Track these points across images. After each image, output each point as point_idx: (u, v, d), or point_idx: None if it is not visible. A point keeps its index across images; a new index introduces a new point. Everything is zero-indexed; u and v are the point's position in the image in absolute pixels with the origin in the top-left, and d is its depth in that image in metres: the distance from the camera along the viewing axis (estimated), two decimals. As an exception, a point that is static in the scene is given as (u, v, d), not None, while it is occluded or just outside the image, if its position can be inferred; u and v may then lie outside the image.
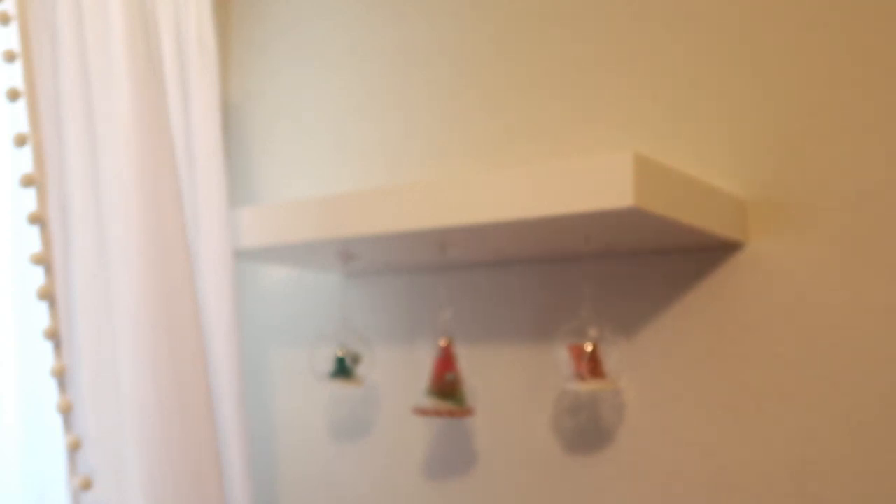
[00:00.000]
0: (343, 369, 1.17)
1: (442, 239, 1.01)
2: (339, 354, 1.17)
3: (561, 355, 0.98)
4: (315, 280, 1.36)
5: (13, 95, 1.05)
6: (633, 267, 1.07)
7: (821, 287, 0.94)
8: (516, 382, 1.15)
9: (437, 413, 1.05)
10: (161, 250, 1.08)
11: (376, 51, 1.34)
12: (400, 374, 1.25)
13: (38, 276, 1.04)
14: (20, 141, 1.05)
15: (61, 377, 1.01)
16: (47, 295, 1.04)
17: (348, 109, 1.37)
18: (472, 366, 1.13)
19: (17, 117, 1.06)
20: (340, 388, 1.22)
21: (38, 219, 1.04)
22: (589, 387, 0.98)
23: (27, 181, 1.05)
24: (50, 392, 1.07)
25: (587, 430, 1.09)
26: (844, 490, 0.91)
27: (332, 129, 1.39)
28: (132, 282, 1.07)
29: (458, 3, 1.26)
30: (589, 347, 0.96)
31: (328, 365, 1.20)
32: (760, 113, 0.99)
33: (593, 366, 0.96)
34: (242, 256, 1.21)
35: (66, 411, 1.01)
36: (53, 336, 1.03)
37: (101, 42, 1.11)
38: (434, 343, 1.08)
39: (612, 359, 0.97)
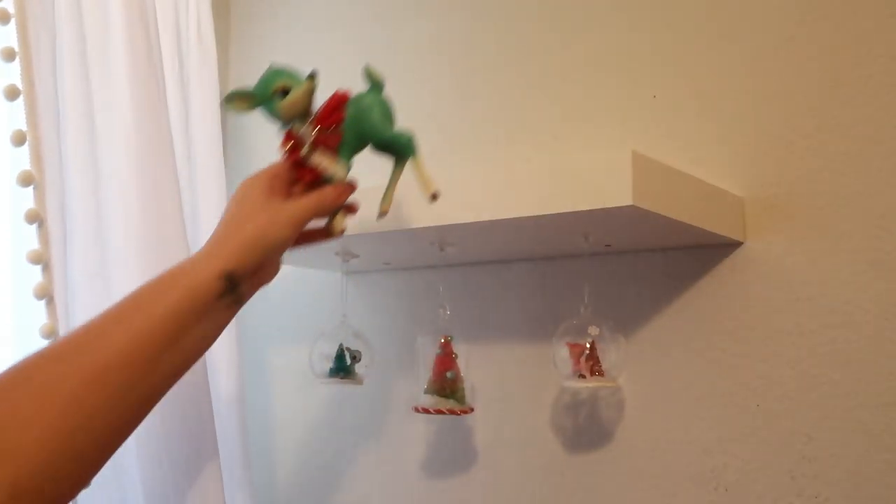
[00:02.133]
0: (343, 367, 1.16)
1: (441, 237, 1.01)
2: (339, 352, 1.17)
3: (560, 353, 0.98)
4: (314, 278, 1.36)
5: (12, 93, 1.05)
6: (631, 265, 1.07)
7: (818, 285, 0.94)
8: (516, 380, 1.15)
9: (437, 411, 1.05)
10: (160, 248, 1.08)
11: (374, 51, 1.34)
12: (400, 372, 1.25)
13: (35, 274, 1.04)
14: (19, 139, 1.05)
15: (60, 376, 1.00)
16: (45, 293, 1.04)
17: (347, 107, 1.37)
18: (472, 364, 1.13)
19: (15, 115, 1.05)
20: (340, 386, 1.22)
21: (36, 217, 1.04)
22: (588, 384, 0.98)
23: (25, 179, 1.04)
24: (49, 390, 1.06)
25: (586, 428, 1.09)
26: (843, 488, 0.92)
27: (331, 128, 1.39)
28: (131, 280, 1.06)
29: (456, 4, 1.26)
30: (588, 345, 0.96)
31: (328, 363, 1.19)
32: (759, 112, 0.99)
33: (592, 364, 0.96)
34: (241, 255, 1.21)
35: (66, 410, 1.01)
36: (51, 334, 1.03)
37: (101, 40, 1.10)
38: (434, 341, 1.08)
39: (610, 356, 0.97)
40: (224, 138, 1.33)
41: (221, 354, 1.22)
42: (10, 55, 1.05)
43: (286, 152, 0.78)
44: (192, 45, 1.27)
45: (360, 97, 0.80)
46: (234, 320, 1.25)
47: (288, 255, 1.20)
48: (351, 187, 0.79)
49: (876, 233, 0.92)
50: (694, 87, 1.04)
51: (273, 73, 0.78)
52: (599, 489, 1.07)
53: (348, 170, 0.79)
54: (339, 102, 0.78)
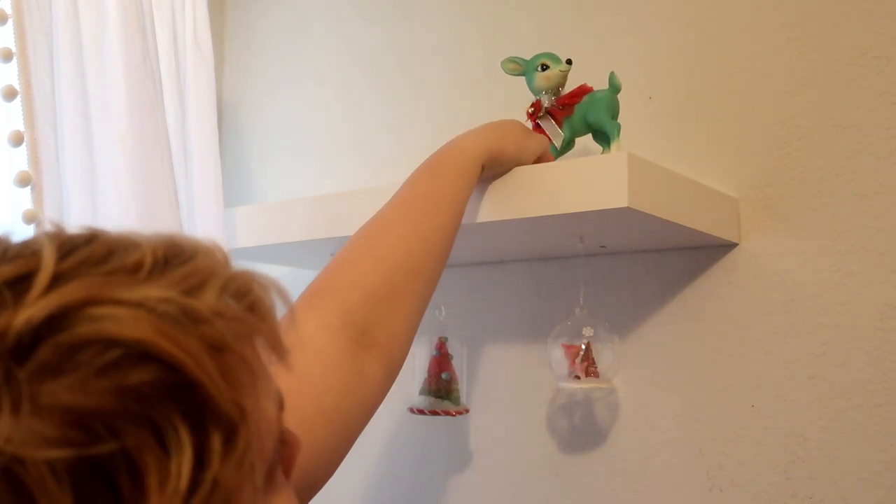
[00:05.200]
0: (338, 368, 1.16)
1: (437, 238, 1.01)
2: (335, 353, 1.17)
3: (555, 354, 0.98)
4: (310, 280, 1.36)
5: (9, 94, 1.05)
6: (627, 266, 1.07)
7: (813, 286, 0.95)
8: (511, 381, 1.15)
9: (432, 412, 1.06)
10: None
11: (373, 50, 1.35)
12: (395, 373, 1.26)
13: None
14: (16, 139, 1.05)
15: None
16: (43, 294, 1.03)
17: (344, 108, 1.37)
18: (467, 365, 1.13)
19: (13, 116, 1.06)
20: (335, 386, 1.22)
21: (33, 218, 1.04)
22: (583, 386, 0.98)
23: (23, 180, 1.05)
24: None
25: (581, 429, 1.09)
26: (838, 489, 0.92)
27: (328, 128, 1.39)
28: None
29: (450, 5, 1.26)
30: (583, 346, 0.97)
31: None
32: (754, 113, 1.00)
33: (587, 365, 0.96)
34: (238, 256, 1.21)
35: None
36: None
37: (97, 40, 1.11)
38: (429, 342, 1.08)
39: (605, 358, 0.98)
40: (220, 138, 1.34)
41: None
42: (7, 56, 1.05)
43: (529, 114, 0.99)
44: (188, 44, 1.27)
45: (597, 91, 0.96)
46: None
47: (284, 256, 1.20)
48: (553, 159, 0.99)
49: (870, 234, 0.92)
50: (689, 89, 1.04)
51: (542, 53, 0.98)
52: (594, 490, 1.07)
53: (565, 141, 0.98)
54: (581, 91, 0.97)
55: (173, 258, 0.40)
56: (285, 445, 0.45)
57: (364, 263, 0.77)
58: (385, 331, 0.74)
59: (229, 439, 0.37)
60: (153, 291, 0.37)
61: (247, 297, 0.41)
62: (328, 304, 0.74)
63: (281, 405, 0.44)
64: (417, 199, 0.83)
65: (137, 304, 0.36)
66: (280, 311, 0.43)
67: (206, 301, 0.38)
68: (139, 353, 0.35)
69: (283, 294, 0.44)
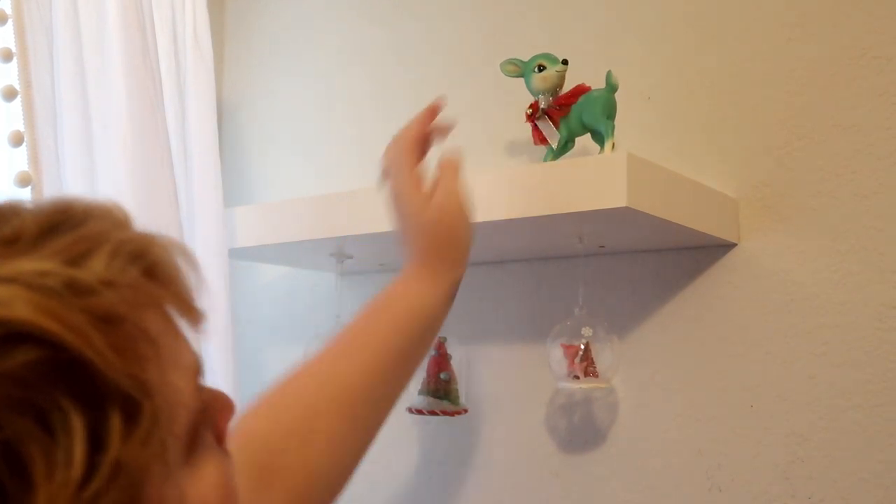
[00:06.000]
0: (338, 368, 1.16)
1: (436, 238, 1.01)
2: (334, 353, 1.17)
3: (554, 354, 0.98)
4: (310, 279, 1.36)
5: (9, 94, 1.05)
6: (626, 266, 1.07)
7: (812, 287, 0.95)
8: (510, 381, 1.15)
9: (431, 412, 1.06)
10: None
11: (373, 50, 1.35)
12: (395, 373, 1.25)
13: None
14: (16, 140, 1.05)
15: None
16: (42, 293, 1.03)
17: (344, 108, 1.37)
18: (466, 365, 1.13)
19: (13, 116, 1.06)
20: (335, 386, 1.22)
21: (33, 217, 1.05)
22: (582, 386, 0.98)
23: (23, 180, 1.05)
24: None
25: (580, 429, 1.09)
26: (837, 489, 0.92)
27: (328, 128, 1.39)
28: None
29: (450, 5, 1.26)
30: (582, 346, 0.97)
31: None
32: (753, 113, 1.00)
33: (587, 365, 0.96)
34: (237, 255, 1.21)
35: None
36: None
37: (97, 40, 1.11)
38: (428, 342, 1.08)
39: (605, 358, 0.98)
40: (220, 138, 1.34)
41: (216, 356, 1.22)
42: (7, 56, 1.05)
43: (528, 115, 0.99)
44: (188, 44, 1.27)
45: (593, 91, 0.96)
46: (229, 322, 1.26)
47: (283, 255, 1.20)
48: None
49: (870, 234, 0.92)
50: (688, 89, 1.04)
51: (539, 55, 0.98)
52: (593, 490, 1.07)
53: (562, 142, 0.98)
54: (578, 91, 0.97)
55: (60, 224, 0.36)
56: (213, 410, 0.42)
57: (283, 396, 0.70)
58: (291, 468, 0.66)
59: (131, 417, 0.34)
60: (30, 264, 0.34)
61: (142, 260, 0.37)
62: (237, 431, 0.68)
63: (197, 372, 0.40)
64: (346, 339, 0.75)
65: (11, 280, 0.33)
66: (189, 274, 0.40)
67: (94, 270, 0.35)
68: (16, 334, 0.32)
69: (187, 255, 0.40)
